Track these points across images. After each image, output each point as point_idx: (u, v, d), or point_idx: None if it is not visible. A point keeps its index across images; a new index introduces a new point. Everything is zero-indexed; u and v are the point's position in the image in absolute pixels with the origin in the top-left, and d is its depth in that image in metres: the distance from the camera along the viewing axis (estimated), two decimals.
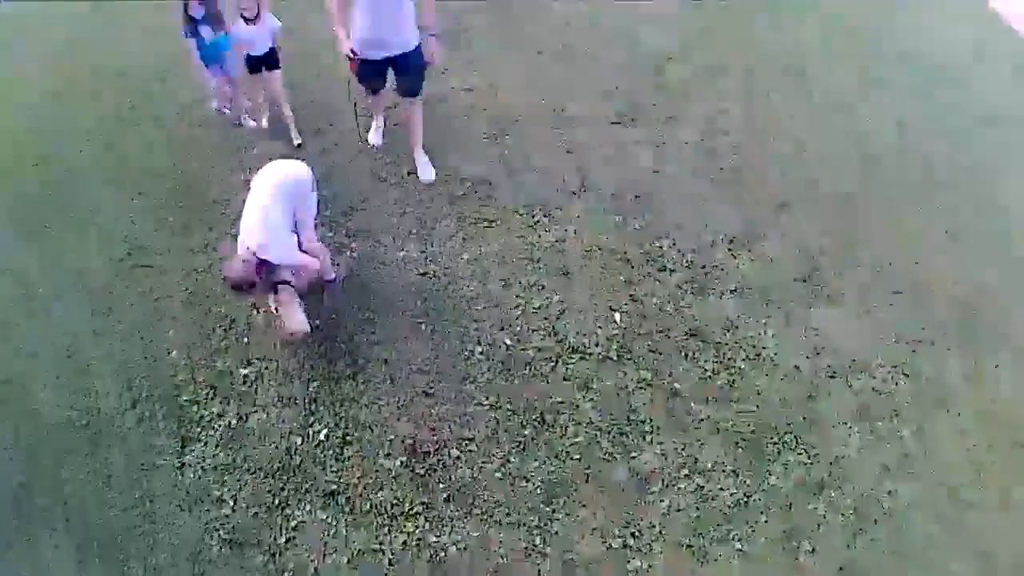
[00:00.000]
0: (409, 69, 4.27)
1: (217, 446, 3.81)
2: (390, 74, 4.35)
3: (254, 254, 3.57)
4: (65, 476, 3.85)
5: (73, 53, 5.96)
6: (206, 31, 4.74)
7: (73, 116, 5.42)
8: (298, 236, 3.82)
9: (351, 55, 4.09)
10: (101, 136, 5.24)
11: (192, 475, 3.77)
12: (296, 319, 3.85)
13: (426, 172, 4.74)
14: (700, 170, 4.78)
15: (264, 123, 5.22)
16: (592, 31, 5.85)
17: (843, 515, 3.57)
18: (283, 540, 3.59)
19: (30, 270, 4.52)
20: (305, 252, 3.81)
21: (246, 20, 4.70)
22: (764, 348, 4.00)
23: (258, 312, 4.12)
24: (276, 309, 3.93)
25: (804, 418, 3.83)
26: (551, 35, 5.82)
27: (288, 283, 3.85)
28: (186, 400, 3.95)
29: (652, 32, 5.83)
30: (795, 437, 3.78)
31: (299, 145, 5.00)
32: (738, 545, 3.49)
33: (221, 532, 3.63)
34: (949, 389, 3.94)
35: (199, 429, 3.86)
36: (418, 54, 4.21)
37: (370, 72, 4.27)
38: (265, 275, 3.67)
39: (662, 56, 5.59)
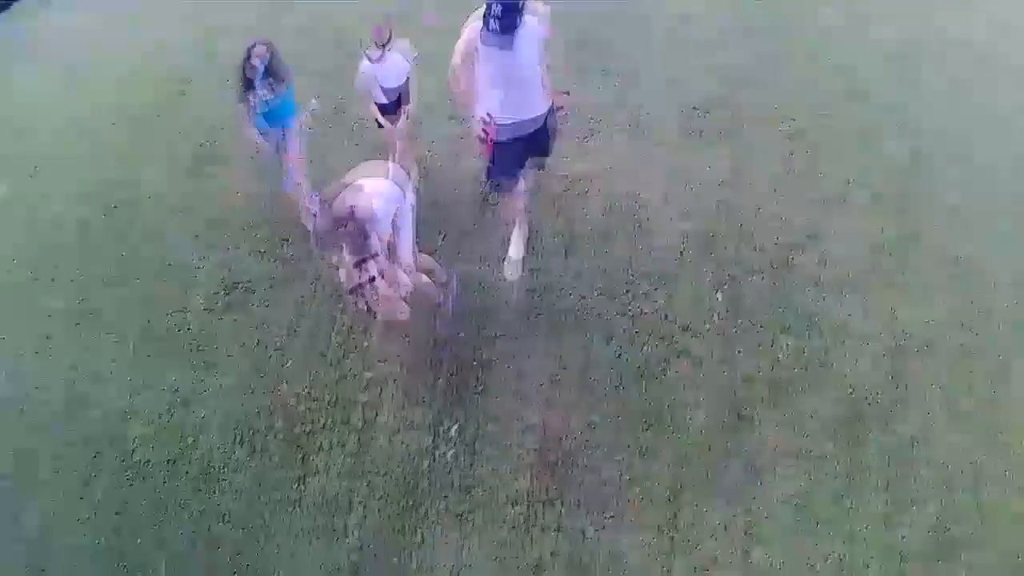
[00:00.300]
0: (547, 131, 4.08)
1: (343, 452, 3.86)
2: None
3: (350, 208, 3.56)
4: (164, 522, 3.83)
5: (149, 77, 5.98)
6: (263, 92, 4.36)
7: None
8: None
9: (488, 118, 3.87)
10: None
11: (318, 484, 3.81)
12: (394, 304, 3.87)
13: (511, 269, 4.46)
14: (773, 176, 5.03)
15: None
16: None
17: (933, 486, 3.70)
18: (419, 540, 3.63)
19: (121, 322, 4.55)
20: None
21: (378, 46, 4.40)
22: (847, 334, 4.17)
23: (374, 316, 4.14)
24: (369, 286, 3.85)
25: (891, 395, 3.98)
26: None
27: (375, 256, 3.72)
28: (305, 408, 4.01)
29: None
30: (884, 418, 3.91)
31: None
32: (846, 526, 3.60)
33: (352, 539, 3.67)
34: (1011, 359, 4.12)
35: (321, 438, 3.92)
36: (551, 114, 4.04)
37: (507, 148, 4.01)
38: (353, 221, 3.57)
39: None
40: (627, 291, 4.36)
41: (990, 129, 5.10)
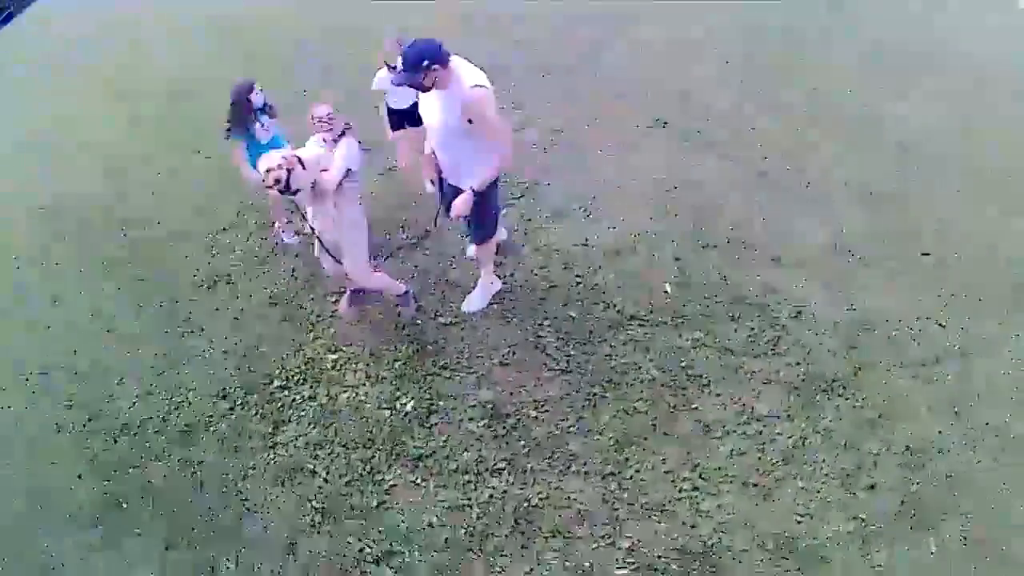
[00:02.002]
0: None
1: (309, 424, 4.53)
2: None
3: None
4: (153, 477, 4.49)
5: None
6: (262, 127, 4.87)
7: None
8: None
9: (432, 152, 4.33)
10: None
11: (285, 453, 4.46)
12: (327, 262, 4.53)
13: (470, 302, 4.91)
14: (732, 167, 5.74)
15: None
16: None
17: (897, 453, 4.18)
18: (375, 504, 4.24)
19: (118, 303, 5.38)
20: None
21: (390, 67, 4.85)
22: (804, 307, 4.80)
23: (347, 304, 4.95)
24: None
25: (849, 366, 4.54)
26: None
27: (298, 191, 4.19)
28: (277, 387, 4.70)
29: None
30: (842, 384, 4.47)
31: None
32: (800, 483, 4.10)
33: (314, 503, 4.28)
34: (986, 339, 4.64)
35: (291, 411, 4.59)
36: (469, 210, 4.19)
37: (443, 188, 4.48)
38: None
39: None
40: (580, 264, 5.01)
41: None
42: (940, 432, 4.32)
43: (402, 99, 5.09)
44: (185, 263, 5.52)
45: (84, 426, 4.78)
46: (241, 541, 4.25)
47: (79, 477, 4.57)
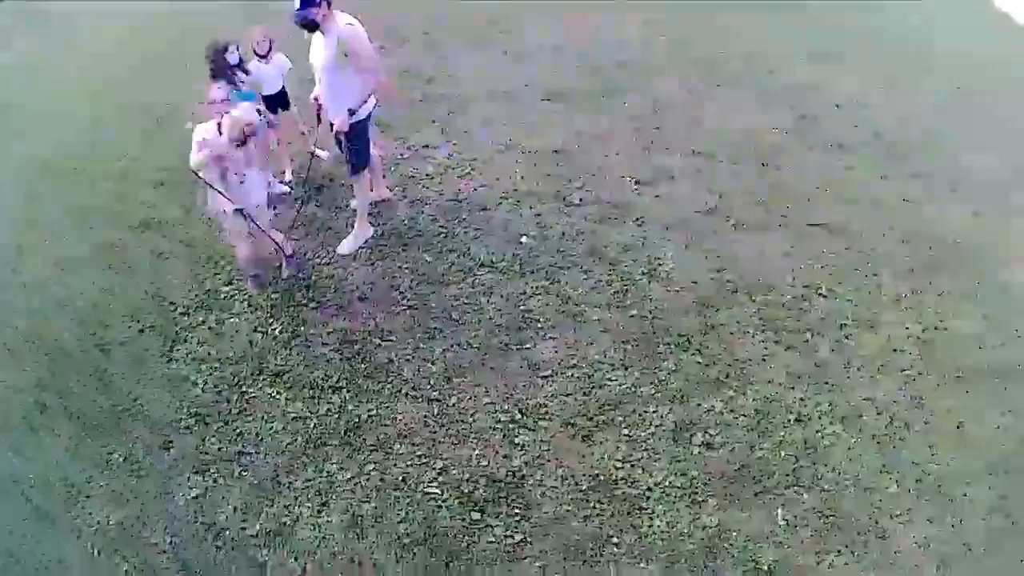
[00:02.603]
0: (342, 138, 5.20)
1: (198, 343, 5.26)
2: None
3: None
4: (74, 383, 5.25)
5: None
6: (240, 81, 5.51)
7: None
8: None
9: (316, 99, 5.18)
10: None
11: (175, 366, 5.23)
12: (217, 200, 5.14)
13: (343, 245, 5.63)
14: (618, 130, 6.24)
15: (288, 175, 6.26)
16: None
17: (745, 416, 4.42)
18: (236, 411, 4.89)
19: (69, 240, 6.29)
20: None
21: (259, 57, 5.76)
22: (661, 265, 5.17)
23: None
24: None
25: (701, 325, 4.83)
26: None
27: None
28: (179, 312, 5.48)
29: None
30: (689, 340, 4.76)
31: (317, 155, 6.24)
32: (625, 431, 4.42)
33: (190, 408, 4.97)
34: (874, 313, 4.82)
35: (186, 332, 5.34)
36: (347, 128, 5.02)
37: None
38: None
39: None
40: (447, 217, 5.60)
41: None
42: (802, 400, 4.54)
43: (272, 86, 5.93)
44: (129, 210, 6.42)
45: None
46: (131, 438, 4.95)
47: (20, 391, 5.34)
